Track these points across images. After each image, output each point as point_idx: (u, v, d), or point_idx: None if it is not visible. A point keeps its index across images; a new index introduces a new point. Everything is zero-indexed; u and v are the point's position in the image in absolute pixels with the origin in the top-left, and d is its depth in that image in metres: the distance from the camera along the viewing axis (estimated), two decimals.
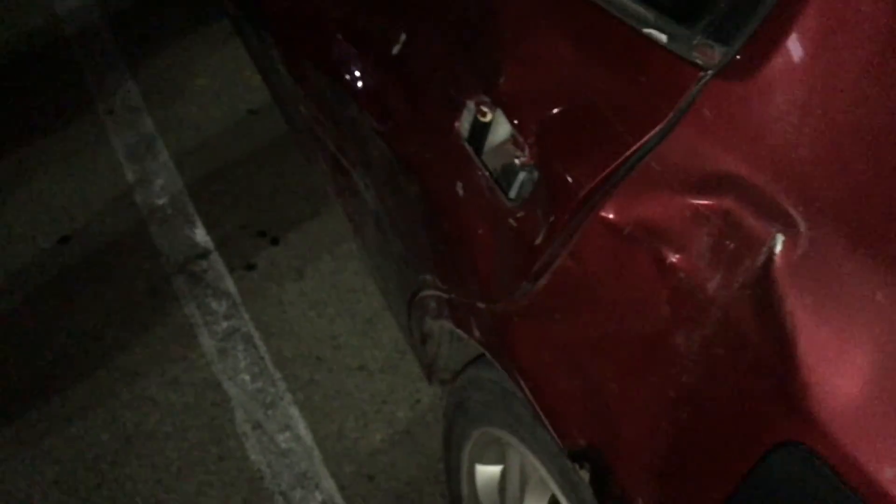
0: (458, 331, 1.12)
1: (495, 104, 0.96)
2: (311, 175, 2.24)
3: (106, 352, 1.86)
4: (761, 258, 0.67)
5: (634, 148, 0.76)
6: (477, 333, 1.05)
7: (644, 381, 0.77)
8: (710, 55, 0.72)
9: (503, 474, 1.25)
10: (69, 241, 2.13)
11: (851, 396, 0.61)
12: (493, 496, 1.29)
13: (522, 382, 0.94)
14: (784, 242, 0.66)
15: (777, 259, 0.66)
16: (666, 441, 0.75)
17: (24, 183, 2.29)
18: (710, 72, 0.72)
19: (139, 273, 2.05)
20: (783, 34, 0.67)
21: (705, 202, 0.72)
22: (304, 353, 1.88)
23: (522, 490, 1.15)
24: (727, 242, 0.70)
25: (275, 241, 2.16)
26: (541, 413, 0.91)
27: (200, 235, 2.16)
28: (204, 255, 2.11)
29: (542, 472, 1.05)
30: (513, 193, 0.92)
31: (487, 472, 1.30)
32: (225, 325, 1.94)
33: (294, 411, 1.76)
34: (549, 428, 0.90)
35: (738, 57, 0.70)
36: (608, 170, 0.78)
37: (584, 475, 0.84)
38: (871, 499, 0.58)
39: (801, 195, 0.66)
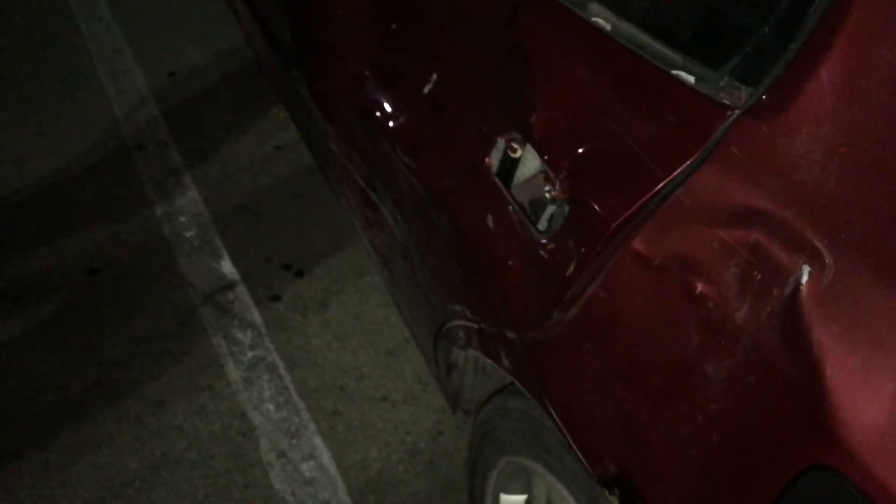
0: (488, 360, 1.14)
1: (525, 140, 1.00)
2: (334, 209, 2.28)
3: (134, 381, 1.90)
4: (789, 288, 0.70)
5: (665, 182, 0.80)
6: (506, 363, 1.08)
7: (674, 408, 0.80)
8: (737, 96, 0.76)
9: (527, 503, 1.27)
10: (98, 272, 2.18)
11: (878, 421, 0.63)
12: None
13: (552, 410, 0.96)
14: (810, 273, 0.69)
15: (804, 289, 0.69)
16: (695, 467, 0.77)
17: (55, 215, 2.35)
18: (737, 111, 0.76)
19: (167, 304, 2.09)
20: (809, 76, 0.71)
21: (734, 235, 0.75)
22: (328, 384, 1.91)
23: None
24: (755, 273, 0.73)
25: (300, 274, 2.20)
26: (570, 440, 0.93)
27: (227, 267, 2.21)
28: (230, 286, 2.15)
29: (570, 500, 1.06)
30: (542, 226, 0.96)
31: (511, 501, 1.31)
32: (251, 355, 1.98)
33: (318, 441, 1.78)
34: (580, 454, 0.92)
35: (763, 97, 0.74)
36: (639, 203, 0.82)
37: (614, 501, 0.87)
38: None
39: (827, 228, 0.69)
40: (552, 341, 0.95)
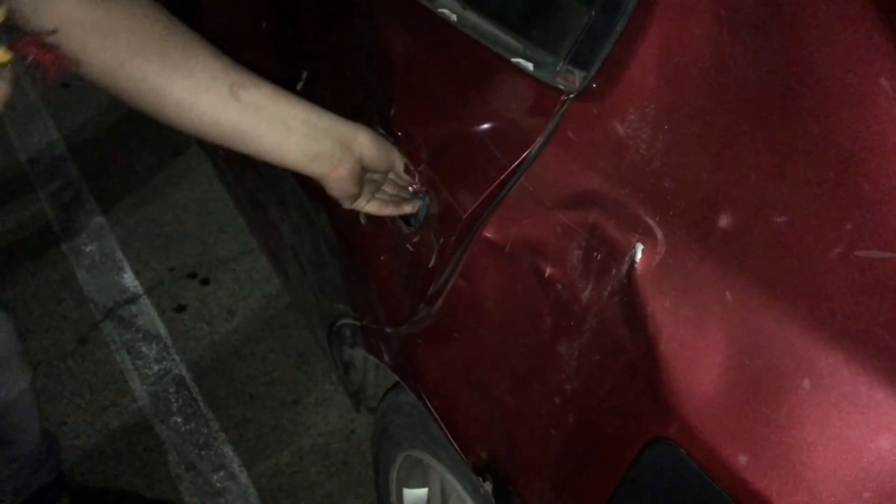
0: (371, 357, 1.14)
1: (390, 135, 0.99)
2: (238, 215, 2.25)
3: None
4: (625, 266, 0.71)
5: (510, 170, 0.81)
6: (387, 358, 1.08)
7: (533, 391, 0.81)
8: (572, 80, 0.77)
9: (428, 497, 1.27)
10: None
11: (707, 391, 0.65)
12: None
13: (428, 401, 0.97)
14: (643, 250, 0.70)
15: (638, 266, 0.70)
16: (555, 447, 0.78)
17: None
18: (571, 95, 0.77)
19: (66, 322, 2.03)
20: (631, 57, 0.72)
21: (574, 217, 0.76)
22: (238, 392, 1.88)
23: None
24: (595, 254, 0.74)
25: (205, 282, 2.16)
26: (445, 430, 0.94)
27: (129, 280, 2.15)
28: (133, 299, 2.10)
29: (459, 489, 1.07)
30: (410, 220, 0.95)
31: (414, 495, 1.31)
32: (156, 368, 1.93)
33: (228, 450, 1.76)
34: (454, 444, 0.92)
35: (594, 81, 0.75)
36: (487, 192, 0.82)
37: (488, 487, 0.87)
38: (729, 485, 0.62)
39: (656, 205, 0.70)
40: (423, 333, 0.96)
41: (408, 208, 0.93)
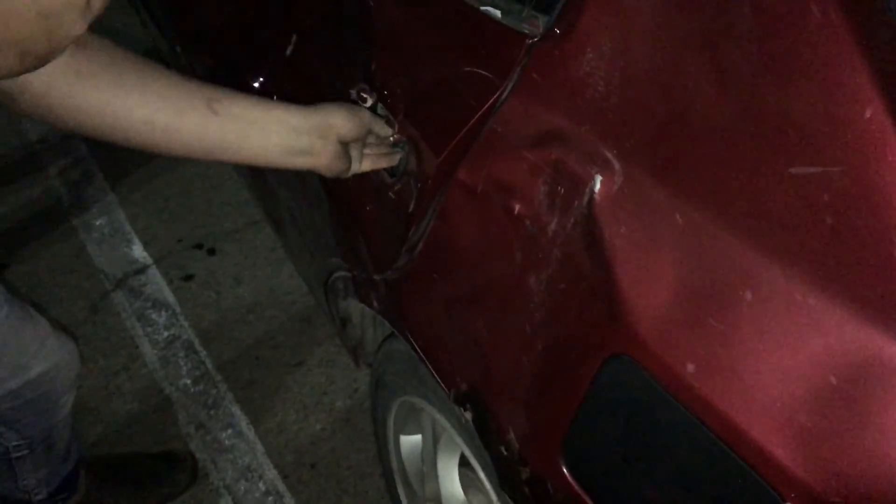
0: (363, 305, 1.19)
1: (373, 90, 1.04)
2: (242, 188, 2.30)
3: None
4: (586, 198, 0.76)
5: (480, 113, 0.85)
6: (376, 305, 1.13)
7: (506, 323, 0.86)
8: (536, 24, 0.81)
9: (422, 441, 1.32)
10: (6, 268, 2.17)
11: (659, 309, 0.69)
12: (416, 464, 1.36)
13: (413, 341, 1.02)
14: (602, 181, 0.75)
15: (597, 196, 0.75)
16: (525, 372, 0.83)
17: None
18: (535, 39, 0.81)
19: (78, 292, 2.10)
20: (587, 1, 0.76)
21: (540, 155, 0.80)
22: (244, 355, 1.94)
23: (435, 450, 1.23)
24: (559, 188, 0.79)
25: (211, 252, 2.22)
26: (429, 366, 0.99)
27: (138, 251, 2.22)
28: (142, 269, 2.16)
29: (448, 426, 1.12)
30: (394, 167, 1.00)
31: (410, 442, 1.37)
32: (166, 334, 2.00)
33: (236, 410, 1.82)
34: (437, 378, 0.97)
35: (555, 24, 0.79)
36: (460, 135, 0.87)
37: (468, 416, 0.92)
38: (677, 393, 0.67)
39: (614, 138, 0.75)
40: (407, 276, 1.00)
41: (390, 160, 0.98)
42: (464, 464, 1.24)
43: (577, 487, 0.78)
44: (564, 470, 0.78)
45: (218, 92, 0.85)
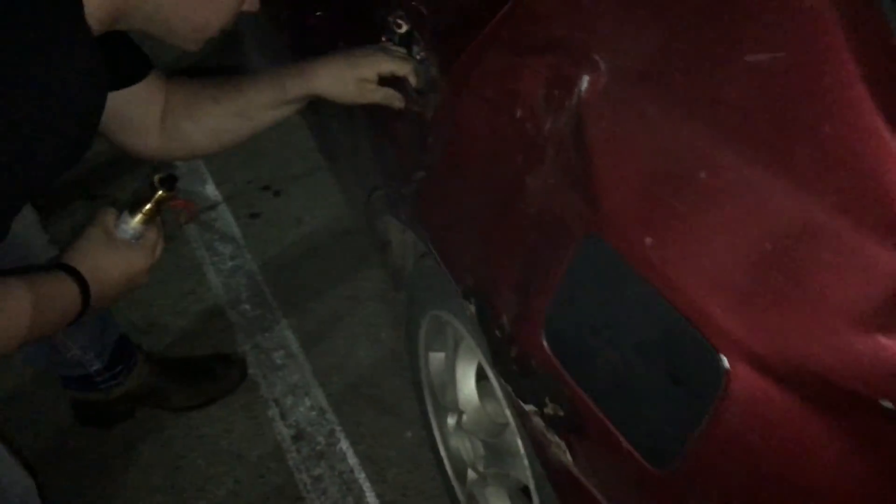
0: (394, 220, 1.29)
1: (408, 16, 1.13)
2: (310, 138, 2.43)
3: None
4: (575, 98, 0.83)
5: (492, 24, 0.93)
6: (402, 217, 1.23)
7: (506, 219, 0.94)
8: None
9: (446, 357, 1.42)
10: (95, 199, 2.37)
11: (629, 192, 0.77)
12: (441, 377, 1.46)
13: (430, 245, 1.11)
14: (589, 81, 0.82)
15: (584, 94, 0.82)
16: (518, 261, 0.92)
17: None
18: None
19: None
20: None
21: (540, 60, 0.88)
22: (301, 286, 2.08)
23: (456, 359, 1.32)
24: (555, 91, 0.86)
25: (277, 194, 2.36)
26: (442, 265, 1.08)
27: (210, 190, 2.38)
28: (213, 206, 2.33)
29: (465, 334, 1.21)
30: (418, 85, 1.09)
31: (437, 358, 1.46)
32: (230, 264, 2.15)
33: (289, 333, 1.96)
34: (449, 275, 1.07)
35: None
36: (472, 45, 0.95)
37: (471, 308, 1.01)
38: (639, 267, 0.74)
39: (602, 42, 0.82)
40: (426, 183, 1.10)
41: (412, 79, 1.07)
42: (481, 378, 1.32)
43: (554, 360, 0.86)
44: (545, 344, 0.86)
45: (238, 98, 1.13)
